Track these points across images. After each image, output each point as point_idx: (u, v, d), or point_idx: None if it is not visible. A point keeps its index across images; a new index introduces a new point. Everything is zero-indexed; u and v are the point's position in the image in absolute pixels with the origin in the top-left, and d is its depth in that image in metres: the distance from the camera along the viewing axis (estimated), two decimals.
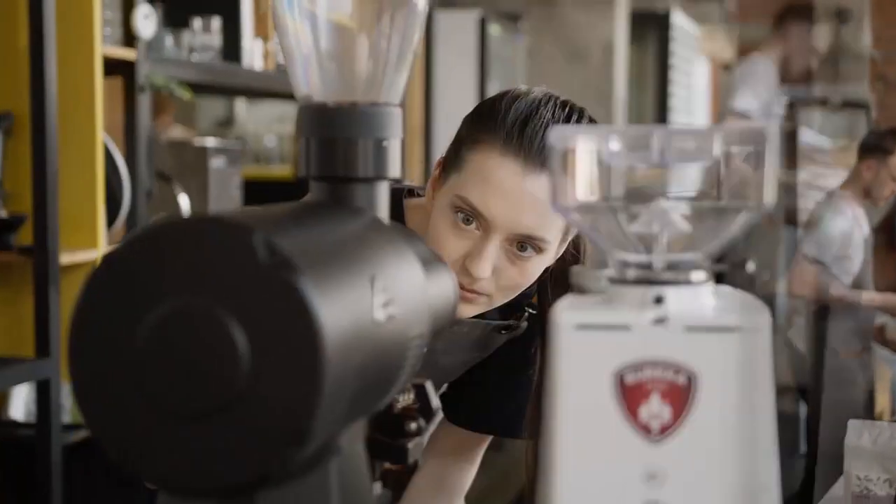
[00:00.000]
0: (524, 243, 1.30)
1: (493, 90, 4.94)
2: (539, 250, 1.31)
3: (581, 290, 0.77)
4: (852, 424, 1.98)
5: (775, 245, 4.72)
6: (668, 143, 0.68)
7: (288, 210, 0.71)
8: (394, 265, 0.73)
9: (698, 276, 0.69)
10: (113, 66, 2.95)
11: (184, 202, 3.22)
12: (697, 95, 8.95)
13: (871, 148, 4.26)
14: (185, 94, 3.14)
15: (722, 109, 4.75)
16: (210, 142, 3.50)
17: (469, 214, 1.29)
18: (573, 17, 5.97)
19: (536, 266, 1.33)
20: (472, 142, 1.31)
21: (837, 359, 4.24)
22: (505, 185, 1.28)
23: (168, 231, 0.62)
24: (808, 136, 4.52)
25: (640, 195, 0.71)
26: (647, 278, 0.69)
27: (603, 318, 0.67)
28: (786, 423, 4.41)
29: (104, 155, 2.81)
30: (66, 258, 2.65)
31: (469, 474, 1.64)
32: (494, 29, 5.44)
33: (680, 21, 7.83)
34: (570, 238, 1.38)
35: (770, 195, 0.67)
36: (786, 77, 4.64)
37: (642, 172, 0.71)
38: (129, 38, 2.96)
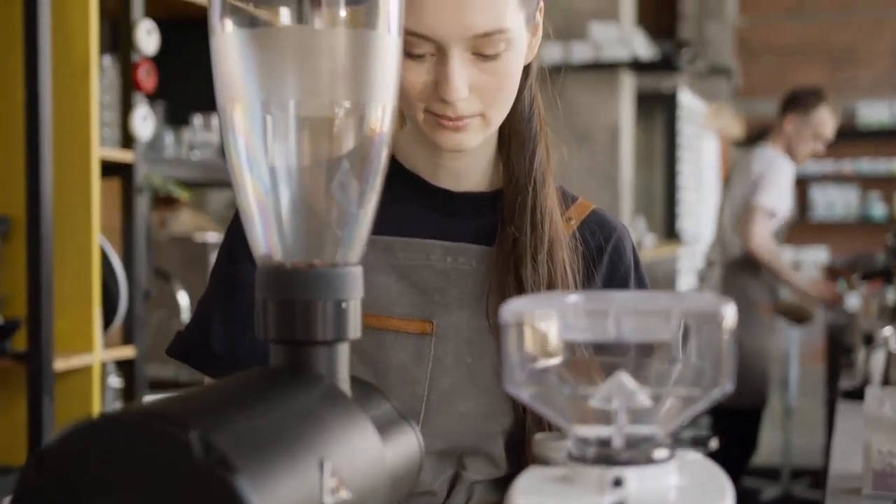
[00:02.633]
0: (485, 54, 1.18)
1: None
2: (507, 44, 1.19)
3: (544, 461, 0.74)
4: (870, 392, 1.71)
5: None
6: (625, 317, 0.65)
7: (235, 388, 0.69)
8: (347, 441, 0.70)
9: (660, 454, 0.66)
10: (111, 168, 2.95)
11: (183, 300, 3.21)
12: (706, 171, 8.97)
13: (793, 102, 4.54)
14: (183, 195, 3.14)
15: (735, 195, 4.61)
16: (211, 237, 3.49)
17: (414, 45, 1.16)
18: (579, 100, 5.98)
19: (512, 63, 1.21)
20: None
21: (754, 311, 4.39)
22: None
23: (101, 427, 0.60)
24: None
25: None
26: (607, 457, 0.66)
27: (559, 502, 0.64)
28: None
29: (101, 257, 2.80)
30: (60, 364, 2.63)
31: None
32: None
33: (687, 99, 7.86)
34: (539, 19, 1.27)
35: (728, 377, 0.64)
36: (792, 160, 4.62)
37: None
38: (128, 139, 2.96)
